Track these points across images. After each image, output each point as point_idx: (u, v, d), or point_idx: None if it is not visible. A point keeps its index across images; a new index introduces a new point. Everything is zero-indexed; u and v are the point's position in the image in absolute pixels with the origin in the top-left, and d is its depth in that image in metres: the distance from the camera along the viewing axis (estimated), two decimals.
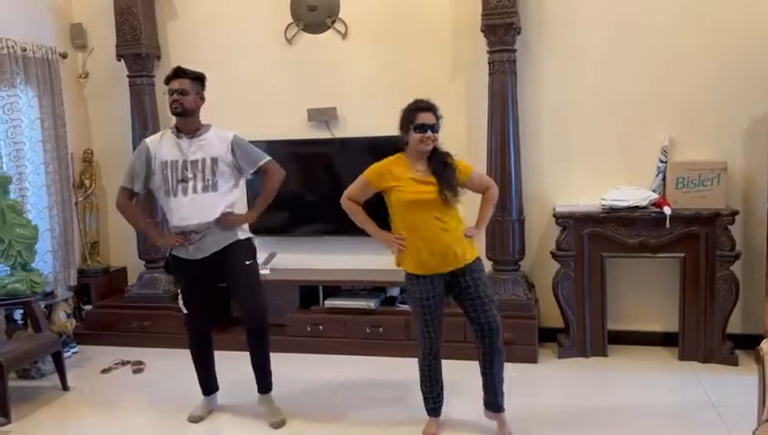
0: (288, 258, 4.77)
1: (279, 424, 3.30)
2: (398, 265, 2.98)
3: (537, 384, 3.69)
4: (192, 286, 3.34)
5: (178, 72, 3.24)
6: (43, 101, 4.51)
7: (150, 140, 3.32)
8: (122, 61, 4.69)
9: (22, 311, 4.07)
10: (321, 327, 4.37)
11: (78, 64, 5.04)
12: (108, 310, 4.79)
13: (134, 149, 4.72)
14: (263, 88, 4.72)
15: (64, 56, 4.79)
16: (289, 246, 4.78)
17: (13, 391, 3.57)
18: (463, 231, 2.94)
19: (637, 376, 3.76)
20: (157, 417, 3.55)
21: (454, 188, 2.88)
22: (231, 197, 3.32)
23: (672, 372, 3.81)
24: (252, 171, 3.35)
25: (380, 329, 4.26)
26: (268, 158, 3.38)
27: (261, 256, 4.59)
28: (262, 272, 4.53)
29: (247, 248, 3.33)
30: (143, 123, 4.71)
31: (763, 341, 2.45)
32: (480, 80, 4.16)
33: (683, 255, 3.89)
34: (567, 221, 4.01)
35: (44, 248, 4.47)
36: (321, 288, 4.49)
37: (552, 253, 4.08)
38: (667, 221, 3.79)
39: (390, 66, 4.48)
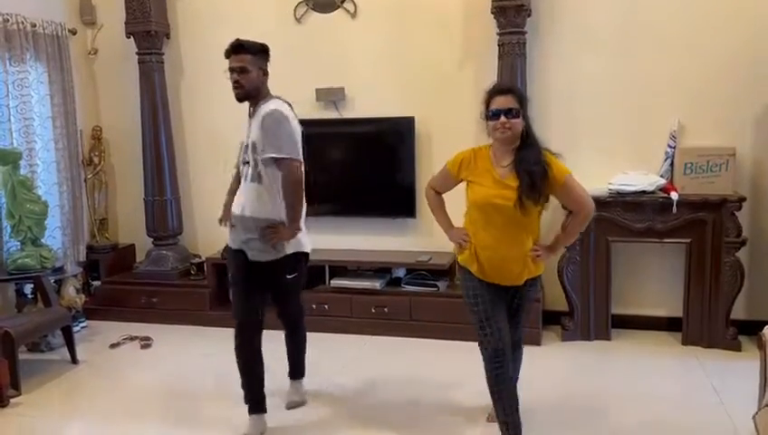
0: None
1: (295, 404, 3.27)
2: (457, 254, 2.74)
3: (540, 366, 3.71)
4: (238, 272, 2.99)
5: (237, 48, 2.87)
6: (53, 78, 4.52)
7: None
8: (132, 38, 4.69)
9: (32, 285, 4.13)
10: (326, 306, 4.41)
11: (87, 41, 5.04)
12: (116, 286, 4.84)
13: (143, 126, 4.78)
14: (271, 67, 4.70)
15: (74, 32, 4.78)
16: None
17: (23, 363, 3.62)
18: (534, 251, 2.59)
19: (639, 360, 3.78)
20: (164, 391, 3.61)
21: (537, 195, 2.47)
22: (276, 198, 2.85)
23: (675, 357, 3.83)
24: (264, 157, 2.81)
25: (385, 309, 4.29)
26: (286, 154, 2.81)
27: None
28: None
29: (293, 262, 2.97)
30: (152, 101, 4.72)
31: (766, 326, 2.46)
32: (489, 62, 4.14)
33: (689, 240, 3.89)
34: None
35: (54, 224, 4.51)
36: (327, 268, 4.52)
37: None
38: (674, 207, 3.78)
39: (399, 47, 4.46)
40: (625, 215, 3.93)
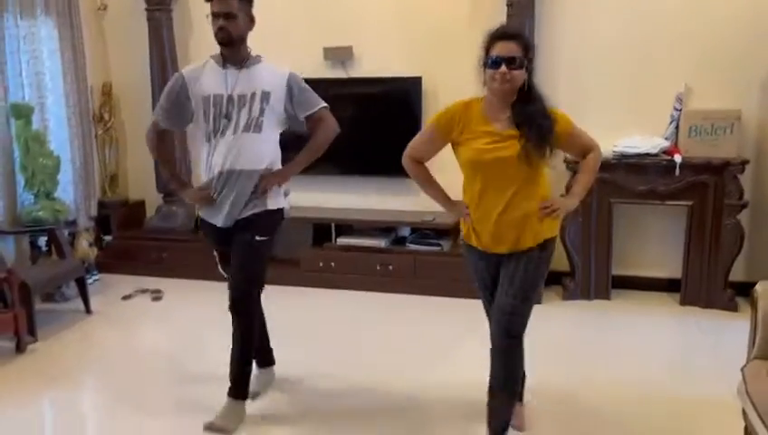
0: (302, 196, 4.85)
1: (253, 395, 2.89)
2: (462, 229, 2.45)
3: (541, 324, 3.77)
4: (223, 255, 2.83)
5: None
6: (63, 33, 4.54)
7: (188, 71, 2.74)
8: None
9: (46, 238, 4.23)
10: (332, 264, 4.51)
11: None
12: (127, 241, 4.95)
13: (152, 82, 4.81)
14: (279, 25, 4.72)
15: None
16: (303, 184, 4.82)
17: (39, 313, 3.74)
18: (545, 208, 2.26)
19: (637, 319, 3.88)
20: (175, 340, 3.74)
21: (544, 144, 2.20)
22: (273, 148, 2.74)
23: (672, 316, 3.92)
24: (307, 114, 2.75)
25: (390, 267, 4.38)
26: (324, 104, 2.81)
27: None
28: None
29: (269, 221, 2.71)
30: (161, 57, 4.75)
31: (758, 283, 2.53)
32: (498, 21, 4.11)
33: (691, 203, 3.94)
34: (577, 166, 4.03)
35: (66, 179, 4.58)
36: (333, 226, 4.61)
37: (561, 196, 4.13)
38: (677, 169, 3.82)
39: (408, 5, 4.45)
40: (628, 177, 3.97)
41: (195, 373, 3.27)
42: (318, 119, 2.77)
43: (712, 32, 3.97)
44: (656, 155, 3.93)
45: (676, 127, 4.01)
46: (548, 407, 2.82)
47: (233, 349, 2.75)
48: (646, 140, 3.96)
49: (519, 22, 4.00)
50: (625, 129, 4.11)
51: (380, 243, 4.47)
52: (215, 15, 2.58)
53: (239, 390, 2.74)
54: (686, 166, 3.84)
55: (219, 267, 2.94)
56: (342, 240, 4.57)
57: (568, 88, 4.24)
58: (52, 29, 4.49)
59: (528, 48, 2.20)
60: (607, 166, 3.97)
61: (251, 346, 2.78)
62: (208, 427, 2.65)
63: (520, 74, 2.18)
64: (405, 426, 2.73)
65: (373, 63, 4.56)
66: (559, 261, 4.29)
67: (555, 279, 4.33)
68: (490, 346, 2.37)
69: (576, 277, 4.17)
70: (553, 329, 3.75)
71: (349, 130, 4.79)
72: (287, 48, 4.70)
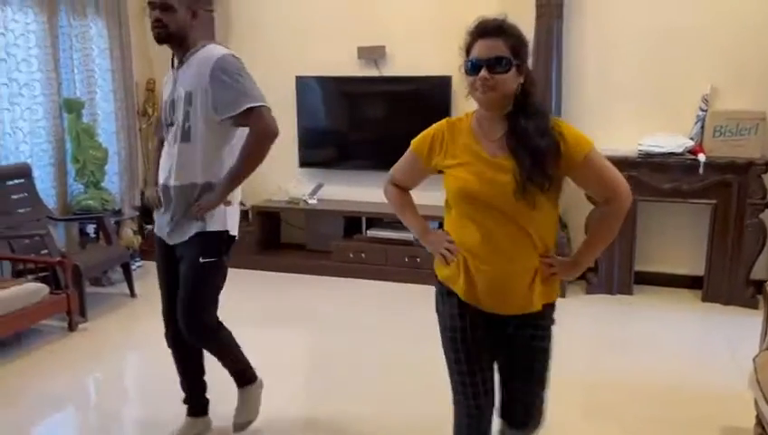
0: (334, 190, 5.05)
1: (240, 426, 2.61)
2: (437, 269, 1.90)
3: (563, 316, 3.90)
4: (162, 269, 2.48)
5: None
6: (112, 32, 4.80)
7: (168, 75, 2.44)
8: None
9: (94, 225, 4.49)
10: (363, 255, 4.69)
11: None
12: None
13: None
14: (315, 25, 4.90)
15: None
16: (335, 178, 5.06)
17: (87, 295, 4.00)
18: (546, 260, 1.76)
19: (659, 314, 3.97)
20: None
21: (543, 176, 1.66)
22: (213, 161, 2.27)
23: (693, 312, 4.01)
24: (228, 115, 2.21)
25: (418, 259, 4.54)
26: (259, 102, 2.23)
27: (308, 187, 4.95)
28: (309, 202, 4.88)
29: (211, 242, 2.33)
30: None
31: None
32: (527, 23, 4.24)
33: (714, 201, 4.01)
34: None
35: (112, 170, 4.85)
36: (363, 219, 4.79)
37: (586, 194, 4.23)
38: (701, 168, 3.90)
39: (439, 6, 4.60)
40: (653, 175, 4.06)
41: None
42: (249, 120, 2.22)
43: (738, 34, 4.04)
44: (680, 154, 4.01)
45: (702, 127, 4.08)
46: (569, 399, 2.95)
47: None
48: (670, 139, 4.05)
49: (547, 24, 4.12)
50: (650, 128, 4.20)
51: (409, 235, 4.62)
52: (150, 6, 2.23)
53: (243, 379, 2.62)
54: (711, 165, 3.91)
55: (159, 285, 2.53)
56: (372, 232, 4.74)
57: (595, 86, 4.36)
58: (102, 28, 4.75)
59: (518, 45, 1.69)
60: (632, 164, 4.07)
61: (232, 359, 2.56)
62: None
63: (508, 79, 1.66)
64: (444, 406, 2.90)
65: (405, 62, 4.72)
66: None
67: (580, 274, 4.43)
68: None
69: (599, 272, 4.28)
70: (576, 322, 3.86)
71: (380, 127, 5.02)
72: (322, 47, 4.90)
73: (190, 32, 2.28)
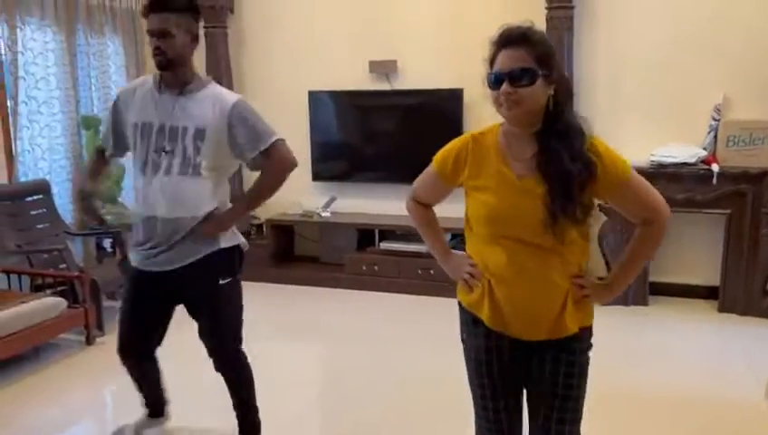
0: (347, 203, 5.08)
1: None
2: (460, 294, 1.79)
3: None
4: (136, 302, 2.43)
5: (155, 4, 2.18)
6: (128, 50, 4.89)
7: (123, 90, 2.39)
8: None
9: (111, 240, 4.55)
10: (376, 267, 4.71)
11: None
12: None
13: None
14: (327, 39, 4.96)
15: None
16: (348, 191, 5.09)
17: (104, 309, 4.04)
18: (577, 280, 1.64)
19: (674, 324, 3.95)
20: None
21: (576, 207, 1.55)
22: (219, 190, 2.33)
23: (709, 322, 3.99)
24: (254, 154, 2.27)
25: (431, 271, 4.54)
26: (278, 136, 2.30)
27: (322, 200, 4.99)
28: (323, 215, 4.91)
29: (227, 260, 2.35)
30: (216, 72, 5.04)
31: None
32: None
33: (729, 211, 4.00)
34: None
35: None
36: (377, 231, 4.81)
37: (599, 205, 4.22)
38: (714, 178, 3.89)
39: (450, 20, 4.64)
40: (665, 186, 4.03)
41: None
42: (269, 154, 2.28)
43: (750, 43, 4.04)
44: (693, 164, 4.00)
45: (715, 137, 4.08)
46: (585, 410, 2.93)
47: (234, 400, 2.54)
48: (683, 150, 4.04)
49: (558, 37, 4.14)
50: (662, 138, 4.20)
51: (422, 248, 4.63)
52: (149, 33, 2.21)
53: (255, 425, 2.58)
54: (724, 175, 3.90)
55: (120, 312, 2.50)
56: (385, 245, 4.76)
57: (605, 98, 4.37)
58: (118, 46, 4.85)
59: (545, 55, 1.56)
60: (645, 174, 3.98)
61: (252, 390, 2.54)
62: None
63: (535, 92, 1.54)
64: (461, 419, 2.90)
65: (416, 76, 4.76)
66: (597, 268, 4.41)
67: None
68: None
69: None
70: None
71: (392, 140, 5.06)
72: (334, 62, 4.95)
73: (190, 56, 2.27)
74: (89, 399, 3.18)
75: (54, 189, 4.32)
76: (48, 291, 3.74)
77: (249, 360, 2.52)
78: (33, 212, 4.14)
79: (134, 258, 2.38)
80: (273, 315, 4.24)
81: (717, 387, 3.14)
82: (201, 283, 2.32)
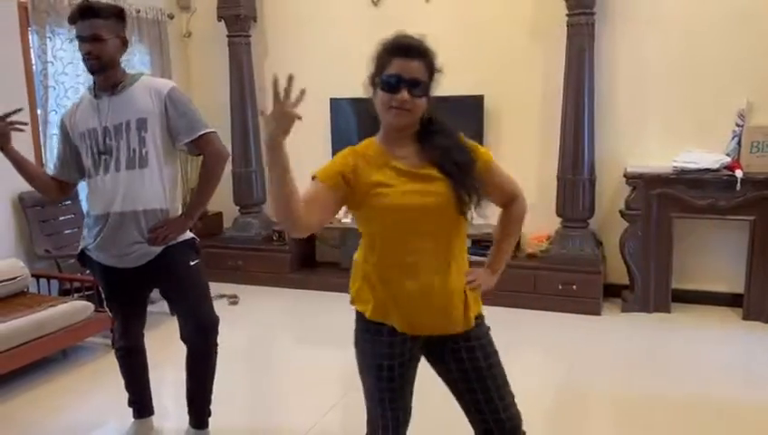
0: None
1: None
2: (352, 302, 1.85)
3: (599, 334, 3.91)
4: (113, 295, 2.60)
5: (85, 12, 2.24)
6: (154, 59, 4.99)
7: (66, 114, 2.48)
8: (222, 21, 5.09)
9: None
10: None
11: (182, 25, 5.49)
12: (206, 249, 5.23)
13: (231, 103, 5.19)
14: (349, 48, 5.01)
15: (171, 17, 5.23)
16: None
17: None
18: (467, 273, 1.77)
19: (697, 332, 3.92)
20: (250, 339, 4.07)
21: (476, 188, 1.68)
22: (168, 178, 2.40)
23: (734, 330, 3.94)
24: (187, 140, 2.37)
25: None
26: (210, 129, 2.41)
27: (342, 207, 5.00)
28: (344, 221, 4.94)
29: (190, 247, 2.51)
30: (240, 80, 5.13)
31: None
32: (558, 42, 4.29)
33: (753, 217, 3.96)
34: (637, 181, 4.13)
35: None
36: None
37: (620, 211, 4.22)
38: (738, 184, 3.86)
39: (470, 28, 4.66)
40: (688, 192, 4.03)
41: (265, 368, 3.57)
42: (204, 145, 2.40)
43: None
44: (716, 170, 3.97)
45: (738, 143, 4.04)
46: (606, 418, 2.93)
47: (196, 386, 2.68)
48: (706, 156, 4.02)
49: (579, 43, 4.15)
50: (685, 144, 4.18)
51: None
52: (79, 39, 2.26)
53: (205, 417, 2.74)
54: (748, 181, 3.87)
55: (106, 305, 2.70)
56: None
57: (628, 103, 4.36)
58: (144, 55, 4.94)
59: (434, 70, 1.75)
60: (667, 181, 4.05)
61: (210, 375, 2.71)
62: None
63: (423, 103, 1.69)
64: None
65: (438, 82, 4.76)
66: (618, 274, 4.39)
67: (615, 292, 4.40)
68: None
69: (635, 290, 4.23)
70: (611, 340, 3.84)
71: None
72: (355, 69, 4.96)
73: (120, 60, 2.36)
74: (114, 402, 3.23)
75: (82, 195, 4.40)
76: (76, 295, 3.82)
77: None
78: (61, 218, 4.23)
79: (103, 258, 2.45)
80: (294, 321, 4.29)
81: (743, 395, 3.11)
82: (171, 267, 2.45)
